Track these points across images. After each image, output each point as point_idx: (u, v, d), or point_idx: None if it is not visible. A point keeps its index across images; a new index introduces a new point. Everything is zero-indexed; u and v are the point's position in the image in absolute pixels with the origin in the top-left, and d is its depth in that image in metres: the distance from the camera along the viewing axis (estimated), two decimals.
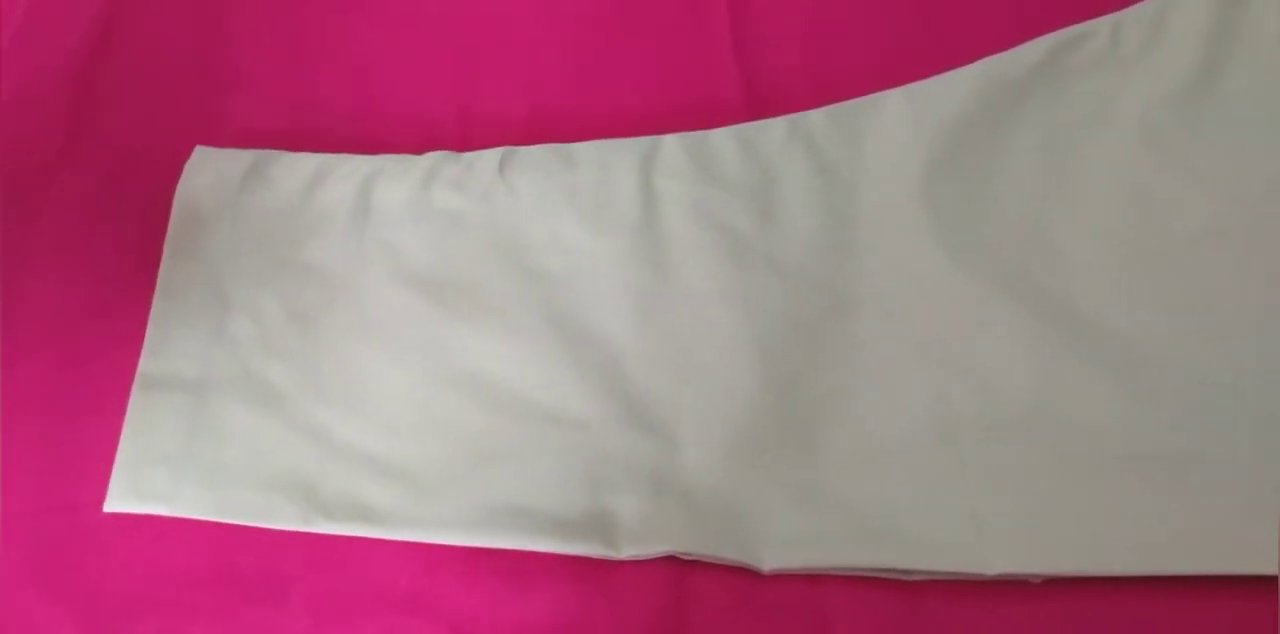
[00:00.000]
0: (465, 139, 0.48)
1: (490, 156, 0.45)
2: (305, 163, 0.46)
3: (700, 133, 0.47)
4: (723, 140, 0.47)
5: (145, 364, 0.42)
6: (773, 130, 0.47)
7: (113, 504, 0.39)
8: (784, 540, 0.38)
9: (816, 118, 0.47)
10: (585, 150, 0.46)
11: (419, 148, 0.47)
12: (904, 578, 0.38)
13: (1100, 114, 0.46)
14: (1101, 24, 0.47)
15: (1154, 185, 0.44)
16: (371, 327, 0.43)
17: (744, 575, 0.38)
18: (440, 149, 0.46)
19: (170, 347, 0.42)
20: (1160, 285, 0.42)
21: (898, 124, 0.46)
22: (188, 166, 0.46)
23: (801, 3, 0.51)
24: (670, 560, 0.38)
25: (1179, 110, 0.45)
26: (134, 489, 0.39)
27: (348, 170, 0.45)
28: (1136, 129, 0.45)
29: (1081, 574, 0.37)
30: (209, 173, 0.46)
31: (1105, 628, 0.37)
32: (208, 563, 0.39)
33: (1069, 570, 0.37)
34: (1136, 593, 0.37)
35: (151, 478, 0.39)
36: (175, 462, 0.40)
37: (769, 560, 0.38)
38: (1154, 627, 0.36)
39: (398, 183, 0.45)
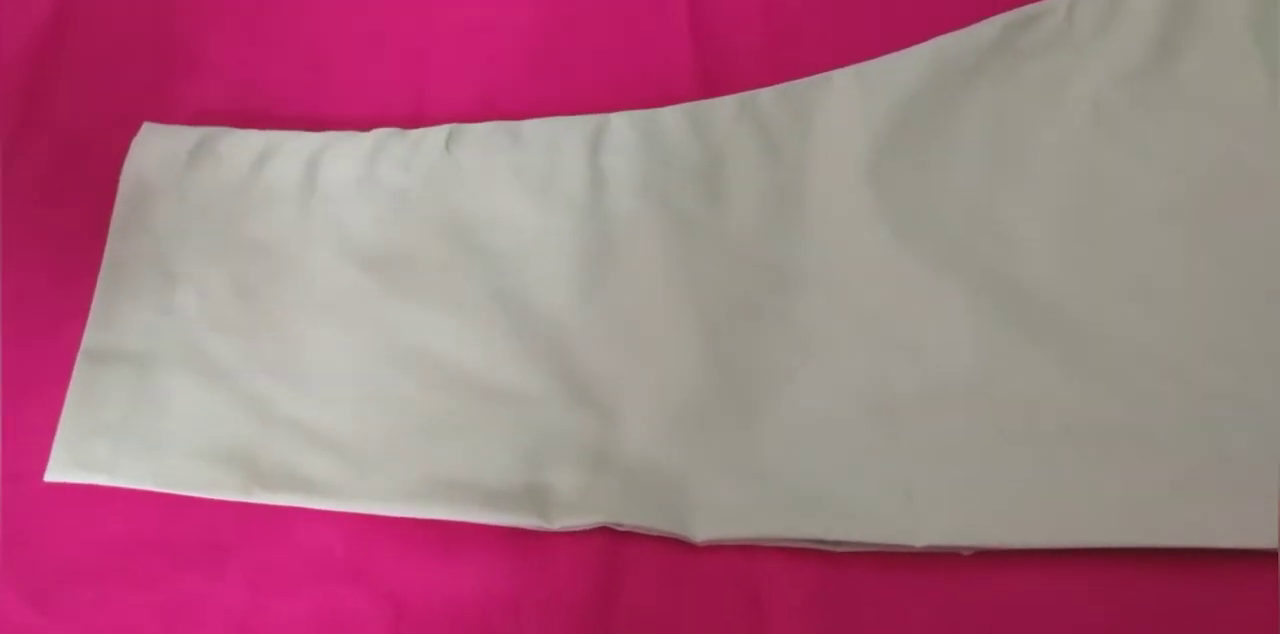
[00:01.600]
0: (417, 118, 0.49)
1: (437, 133, 0.47)
2: (253, 139, 0.47)
3: (649, 111, 0.48)
4: (672, 118, 0.48)
5: (89, 337, 0.43)
6: (722, 108, 0.48)
7: (53, 474, 0.41)
8: (717, 512, 0.39)
9: (766, 96, 0.48)
10: (533, 127, 0.47)
11: (371, 126, 0.48)
12: (834, 549, 0.39)
13: (1052, 93, 0.46)
14: (1057, 3, 0.48)
15: (1103, 164, 0.45)
16: (316, 302, 0.44)
17: (677, 547, 0.39)
18: (391, 127, 0.47)
19: (115, 320, 0.44)
20: (1105, 263, 0.43)
21: (847, 103, 0.47)
22: (135, 142, 0.47)
23: None
24: (604, 532, 0.39)
25: (1132, 90, 0.46)
26: (75, 459, 0.41)
27: (295, 147, 0.47)
28: (1088, 108, 0.45)
29: (1010, 547, 0.38)
30: (156, 149, 0.47)
31: (1034, 601, 0.38)
32: (148, 532, 0.40)
33: (998, 543, 0.38)
34: (1066, 566, 0.38)
35: (92, 449, 0.41)
36: (116, 432, 0.41)
37: (701, 532, 0.39)
38: (1084, 599, 0.37)
39: (344, 160, 0.46)
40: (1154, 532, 0.37)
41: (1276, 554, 0.36)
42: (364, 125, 0.49)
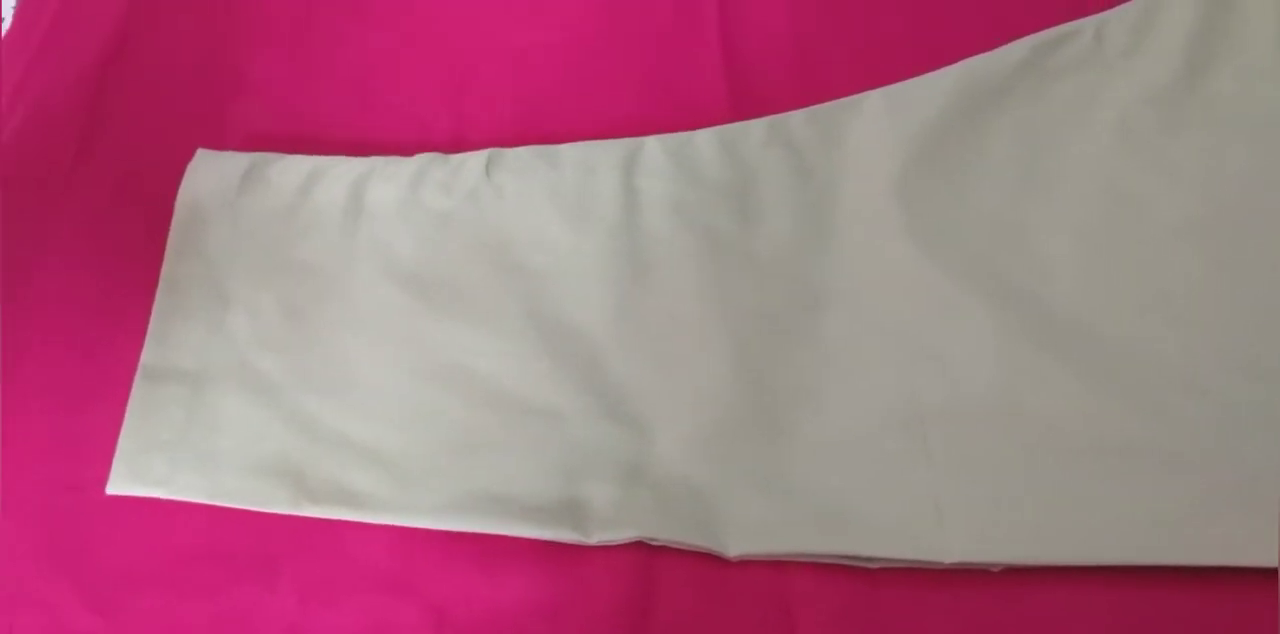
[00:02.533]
0: (457, 142, 0.52)
1: (477, 158, 0.49)
2: (301, 165, 0.49)
3: (683, 134, 0.50)
4: (704, 141, 0.49)
5: (148, 356, 0.46)
6: (753, 131, 0.50)
7: (114, 487, 0.43)
8: (749, 528, 0.41)
9: (796, 119, 0.50)
10: (569, 151, 0.49)
11: (413, 150, 0.51)
12: (865, 565, 0.40)
13: (1080, 113, 0.48)
14: (1086, 24, 0.49)
15: (1130, 183, 0.46)
16: (361, 321, 0.46)
17: (710, 561, 0.41)
18: (433, 151, 0.50)
19: (171, 339, 0.46)
20: (1131, 281, 0.44)
21: (876, 124, 0.48)
22: (189, 168, 0.50)
23: (790, 9, 0.54)
24: (639, 546, 0.41)
25: (1160, 110, 0.47)
26: (134, 474, 0.43)
27: (341, 172, 0.49)
28: (1116, 128, 0.47)
29: (1038, 564, 0.39)
30: (210, 174, 0.50)
31: (1062, 618, 0.39)
32: (204, 543, 0.43)
33: (1026, 559, 0.39)
34: (1094, 583, 0.39)
35: (150, 464, 0.43)
36: (172, 448, 0.44)
37: (734, 547, 0.41)
38: (1110, 617, 0.38)
39: (388, 183, 0.49)
40: (1180, 550, 0.38)
41: None
42: (407, 149, 0.51)
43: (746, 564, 0.41)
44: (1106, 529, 0.39)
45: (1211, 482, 0.39)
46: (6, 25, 0.58)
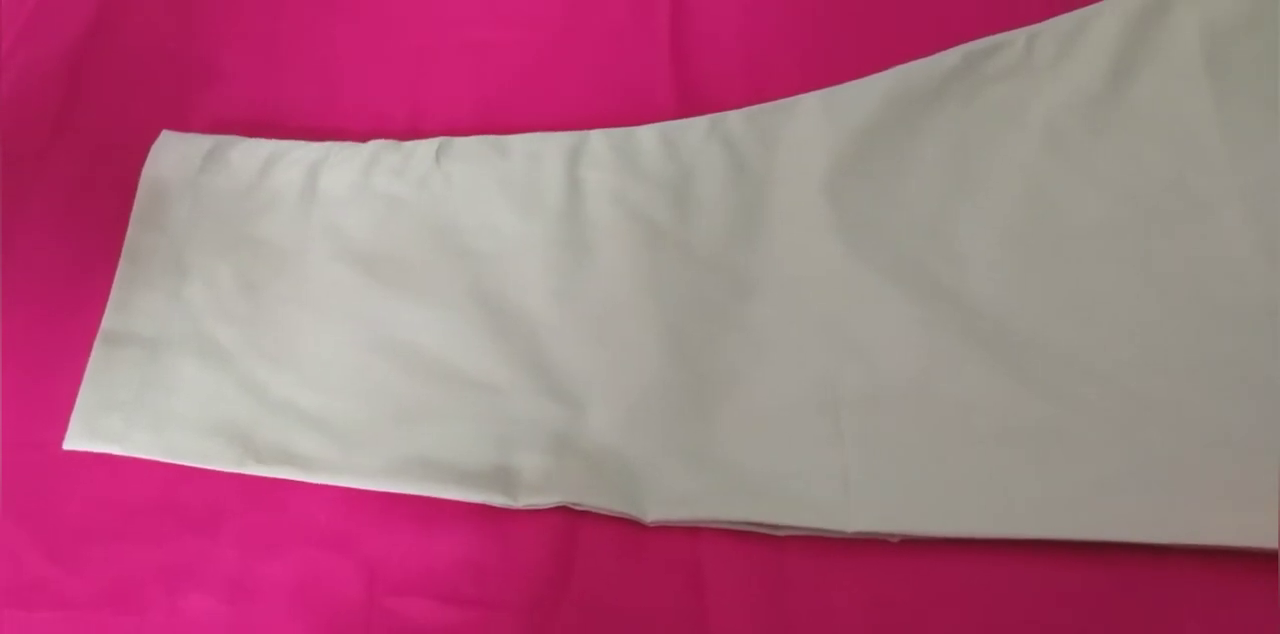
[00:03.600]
0: (413, 131, 0.55)
1: (428, 146, 0.53)
2: (260, 148, 0.53)
3: (626, 129, 0.53)
4: (646, 136, 0.53)
5: (108, 321, 0.49)
6: (694, 128, 0.53)
7: (71, 443, 0.47)
8: (669, 496, 0.44)
9: (736, 118, 0.53)
10: (517, 142, 0.53)
11: (370, 138, 0.54)
12: (773, 533, 0.44)
13: (1009, 118, 0.51)
14: (1018, 34, 0.53)
15: (1053, 185, 0.49)
16: (312, 296, 0.50)
17: (629, 526, 0.44)
18: (387, 140, 0.53)
19: (131, 306, 0.50)
20: (1048, 277, 0.47)
21: (811, 125, 0.52)
22: (154, 148, 0.53)
23: (740, 10, 0.58)
24: (563, 511, 0.45)
25: (1085, 115, 0.50)
26: (90, 431, 0.47)
27: (297, 156, 0.53)
28: (1042, 132, 0.50)
29: (935, 535, 0.42)
30: (173, 154, 0.53)
31: (956, 586, 0.42)
32: (153, 497, 0.46)
33: (924, 531, 0.42)
34: (989, 556, 0.42)
35: (106, 422, 0.47)
36: (128, 408, 0.47)
37: (653, 513, 0.44)
38: (1002, 588, 0.42)
39: (342, 168, 0.52)
40: (1075, 526, 0.41)
41: (1180, 548, 0.41)
42: (364, 137, 0.55)
43: (662, 529, 0.44)
44: (1005, 505, 0.42)
45: (1111, 465, 0.42)
46: None
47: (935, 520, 0.42)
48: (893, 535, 0.43)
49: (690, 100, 0.55)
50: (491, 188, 0.52)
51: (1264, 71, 0.50)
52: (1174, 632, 0.40)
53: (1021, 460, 0.43)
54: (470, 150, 0.53)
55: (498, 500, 0.44)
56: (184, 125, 0.56)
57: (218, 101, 0.57)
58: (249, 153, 0.53)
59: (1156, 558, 0.41)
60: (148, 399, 0.47)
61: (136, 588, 0.44)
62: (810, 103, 0.53)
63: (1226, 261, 0.46)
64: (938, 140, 0.51)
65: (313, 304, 0.50)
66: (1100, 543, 0.41)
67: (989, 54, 0.53)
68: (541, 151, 0.52)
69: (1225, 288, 0.46)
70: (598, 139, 0.53)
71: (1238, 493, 0.41)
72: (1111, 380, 0.44)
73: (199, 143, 0.54)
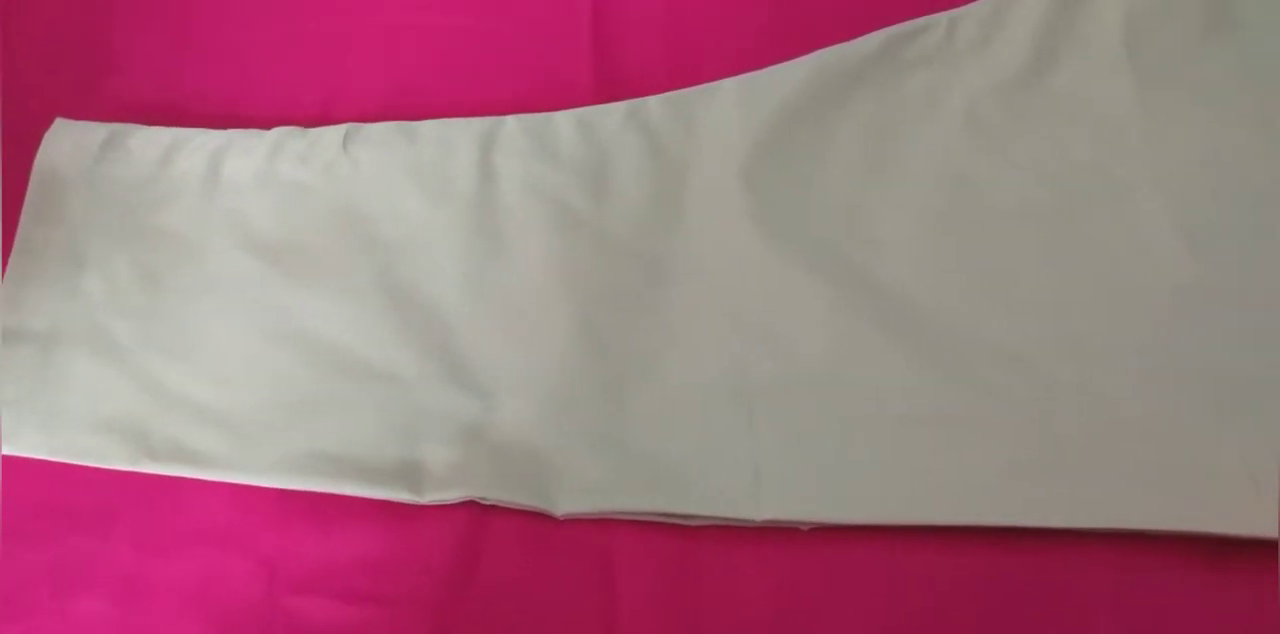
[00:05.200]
0: (325, 117, 0.55)
1: (335, 132, 0.52)
2: (160, 136, 0.53)
3: (542, 114, 0.53)
4: (564, 121, 0.53)
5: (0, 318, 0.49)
6: (612, 113, 0.53)
7: None
8: (580, 488, 0.44)
9: (654, 103, 0.53)
10: (428, 127, 0.53)
11: (281, 125, 0.54)
12: (684, 523, 0.44)
13: (929, 103, 0.52)
14: (940, 18, 0.53)
15: (971, 169, 0.50)
16: (213, 287, 0.49)
17: (538, 519, 0.44)
18: (292, 127, 0.53)
19: (23, 302, 0.49)
20: (964, 261, 0.48)
21: (729, 110, 0.52)
22: (47, 137, 0.53)
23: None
24: (471, 505, 0.44)
25: (1006, 100, 0.51)
26: None
27: (199, 143, 0.52)
28: (962, 117, 0.51)
29: (844, 523, 0.43)
30: (67, 143, 0.53)
31: (866, 573, 0.42)
32: (45, 496, 0.46)
33: (832, 519, 0.43)
34: (899, 542, 0.42)
35: None
36: (19, 406, 0.47)
37: (563, 505, 0.44)
38: (911, 574, 0.42)
39: (246, 156, 0.52)
40: (985, 512, 0.42)
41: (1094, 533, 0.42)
42: (275, 124, 0.54)
43: (573, 522, 0.44)
44: (914, 492, 0.43)
45: (1020, 449, 0.43)
46: None
47: (844, 508, 0.43)
48: (803, 523, 0.43)
49: (611, 86, 0.55)
50: (400, 175, 0.52)
51: (1183, 54, 0.51)
52: (1085, 615, 0.40)
53: (931, 446, 0.43)
54: (379, 136, 0.52)
55: (402, 496, 0.44)
56: (91, 113, 0.55)
57: (125, 89, 0.57)
58: (149, 141, 0.53)
59: (1067, 542, 0.41)
60: (39, 397, 0.47)
61: (23, 592, 0.44)
62: (729, 88, 0.53)
63: (1143, 244, 0.47)
64: (857, 125, 0.51)
65: (214, 295, 0.49)
66: (1011, 528, 0.42)
67: (911, 38, 0.53)
68: (453, 137, 0.52)
69: (1141, 271, 0.46)
70: (513, 125, 0.53)
71: (1149, 476, 0.42)
72: (1025, 364, 0.45)
73: (94, 131, 0.53)
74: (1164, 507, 0.41)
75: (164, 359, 0.48)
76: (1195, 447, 0.42)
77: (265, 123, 0.55)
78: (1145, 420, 0.43)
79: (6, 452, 0.46)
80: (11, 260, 0.50)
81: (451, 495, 0.44)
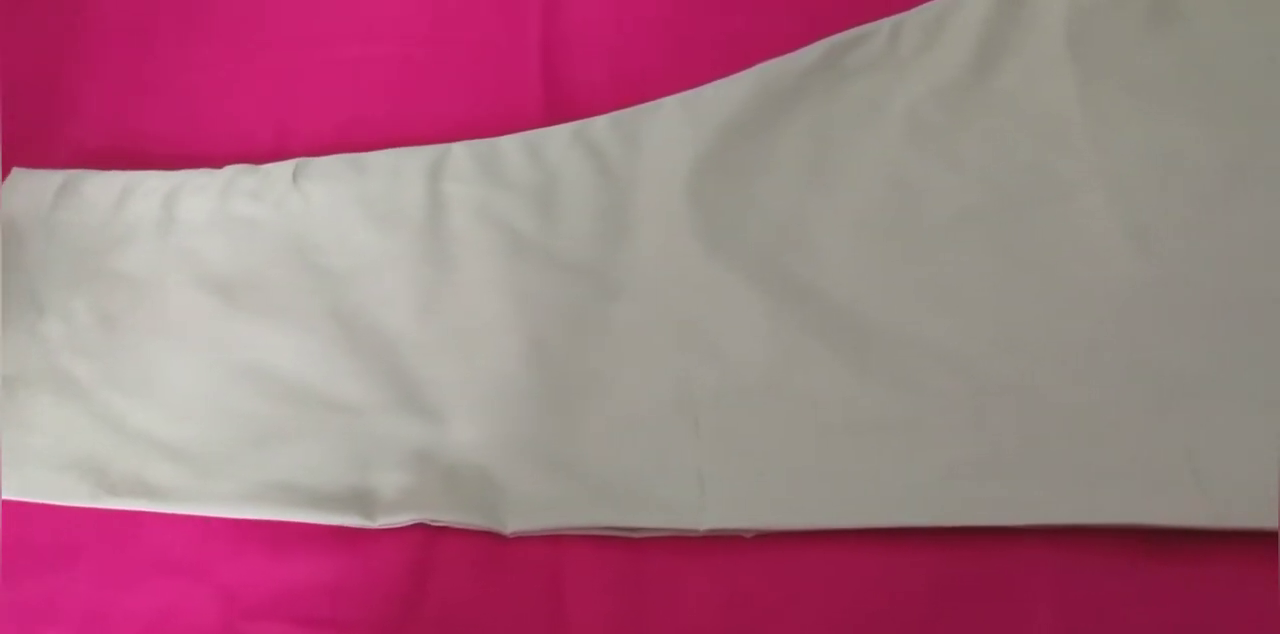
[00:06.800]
0: (279, 153, 0.57)
1: (284, 167, 0.55)
2: (114, 180, 0.56)
3: (489, 140, 0.56)
4: (510, 146, 0.55)
5: None
6: (558, 135, 0.56)
7: None
8: (528, 506, 0.46)
9: (600, 123, 0.56)
10: (377, 158, 0.55)
11: (236, 162, 0.57)
12: (631, 536, 0.45)
13: (872, 110, 0.53)
14: (883, 25, 0.55)
15: (914, 175, 0.51)
16: (169, 325, 0.52)
17: (489, 538, 0.46)
18: (244, 164, 0.56)
19: None
20: (904, 266, 0.49)
21: (673, 128, 0.54)
22: (4, 187, 0.56)
23: (612, 22, 0.60)
24: (422, 527, 0.46)
25: (948, 103, 0.52)
26: None
27: (152, 185, 0.55)
28: (904, 122, 0.52)
29: (786, 528, 0.44)
30: (24, 192, 0.56)
31: (810, 578, 0.44)
32: (9, 536, 0.48)
33: (776, 525, 0.44)
34: (841, 546, 0.44)
35: None
36: None
37: (512, 524, 0.46)
38: (855, 576, 0.43)
39: (199, 195, 0.55)
40: (924, 514, 0.43)
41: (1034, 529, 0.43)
42: (229, 161, 0.57)
43: (523, 540, 0.46)
44: (854, 496, 0.44)
45: (958, 450, 0.44)
46: None
47: (785, 514, 0.44)
48: (746, 531, 0.45)
49: (561, 109, 0.58)
50: (351, 206, 0.54)
51: (1126, 50, 0.52)
52: (1028, 611, 0.41)
53: (870, 450, 0.45)
54: (329, 169, 0.55)
55: (354, 521, 0.46)
56: (47, 160, 0.58)
57: (80, 134, 0.60)
58: (103, 186, 0.56)
59: (1009, 539, 0.42)
60: (4, 438, 0.50)
61: None
62: (674, 105, 0.55)
63: (1086, 243, 0.48)
64: (799, 136, 0.53)
65: (170, 333, 0.52)
66: (953, 528, 0.43)
67: (852, 46, 0.55)
68: (402, 167, 0.55)
69: (1084, 269, 0.48)
70: (460, 151, 0.55)
71: (1089, 471, 0.43)
72: (964, 366, 0.46)
73: (50, 179, 0.56)
74: (1104, 501, 0.42)
75: (123, 397, 0.50)
76: (1136, 440, 0.43)
77: (220, 161, 0.57)
78: (1085, 416, 0.44)
79: None
80: None
81: (402, 519, 0.46)
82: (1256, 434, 0.42)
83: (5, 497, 0.48)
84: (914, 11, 0.56)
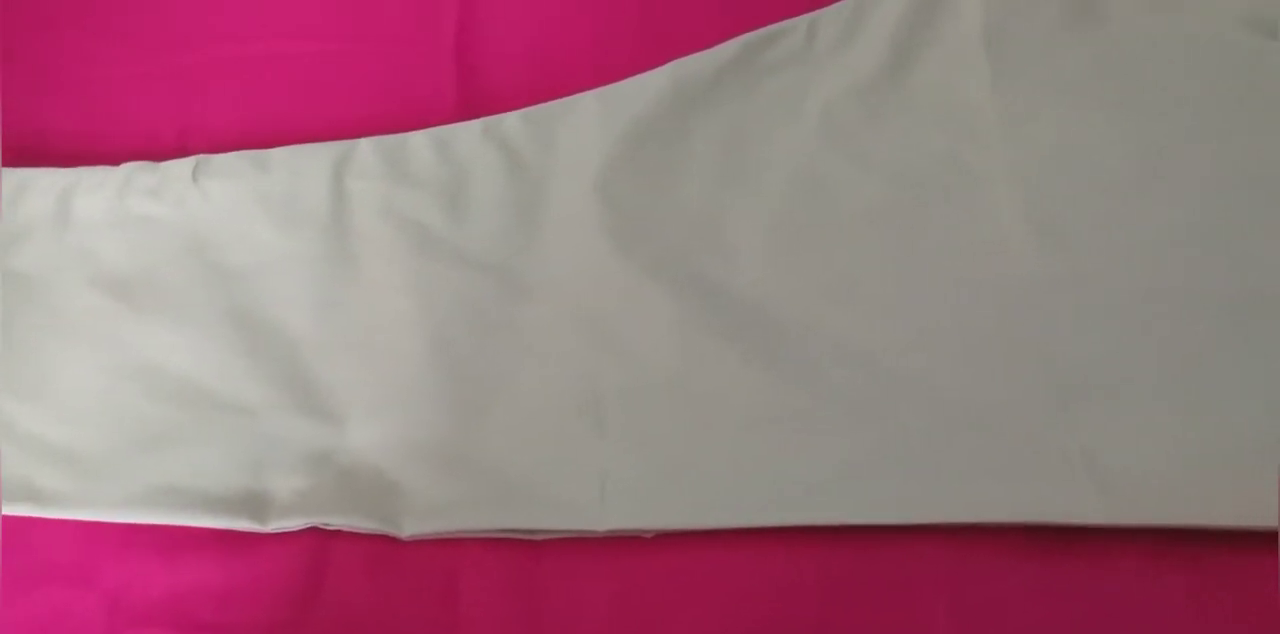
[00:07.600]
0: (181, 151, 0.57)
1: (184, 164, 0.54)
2: (9, 177, 0.55)
3: (397, 136, 0.55)
4: (419, 142, 0.55)
5: None
6: (468, 131, 0.55)
7: None
8: (426, 508, 0.45)
9: (512, 119, 0.55)
10: (279, 155, 0.55)
11: (138, 160, 0.56)
12: (530, 537, 0.45)
13: (787, 107, 0.53)
14: (800, 21, 0.55)
15: (826, 171, 0.51)
16: (63, 326, 0.51)
17: (384, 541, 0.45)
18: (142, 162, 0.55)
19: None
20: (812, 263, 0.49)
21: (587, 124, 0.54)
22: None
23: (528, 19, 0.60)
24: (315, 531, 0.46)
25: (863, 100, 0.53)
26: None
27: (48, 183, 0.54)
28: (818, 119, 0.52)
29: (686, 528, 0.44)
30: None
31: (709, 577, 0.44)
32: None
33: (676, 525, 0.44)
34: (740, 545, 0.44)
35: None
36: None
37: (408, 527, 0.45)
38: (751, 575, 0.43)
39: (95, 193, 0.54)
40: (820, 512, 0.43)
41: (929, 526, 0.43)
42: (133, 158, 0.56)
43: (419, 543, 0.45)
44: (752, 495, 0.44)
45: (857, 447, 0.44)
46: None
47: (686, 514, 0.44)
48: (645, 531, 0.45)
49: (475, 105, 0.57)
50: (251, 204, 0.54)
51: (1042, 46, 0.53)
52: (923, 610, 0.41)
53: (771, 448, 0.45)
54: (229, 167, 0.54)
55: (246, 525, 0.46)
56: None
57: None
58: None
59: (904, 537, 0.42)
60: None
61: None
62: (589, 101, 0.55)
63: (993, 236, 0.49)
64: (712, 133, 0.53)
65: (64, 333, 0.51)
66: (851, 526, 0.43)
67: (769, 42, 0.55)
68: (305, 164, 0.54)
69: (990, 263, 0.48)
70: (366, 147, 0.55)
71: (985, 467, 0.43)
72: (868, 362, 0.46)
73: None
74: (998, 498, 0.42)
75: (15, 401, 0.49)
76: (1034, 438, 0.43)
77: (123, 158, 0.56)
78: (985, 412, 0.44)
79: None
80: None
81: (294, 523, 0.46)
82: (1158, 432, 0.43)
83: None
84: (831, 8, 0.56)
